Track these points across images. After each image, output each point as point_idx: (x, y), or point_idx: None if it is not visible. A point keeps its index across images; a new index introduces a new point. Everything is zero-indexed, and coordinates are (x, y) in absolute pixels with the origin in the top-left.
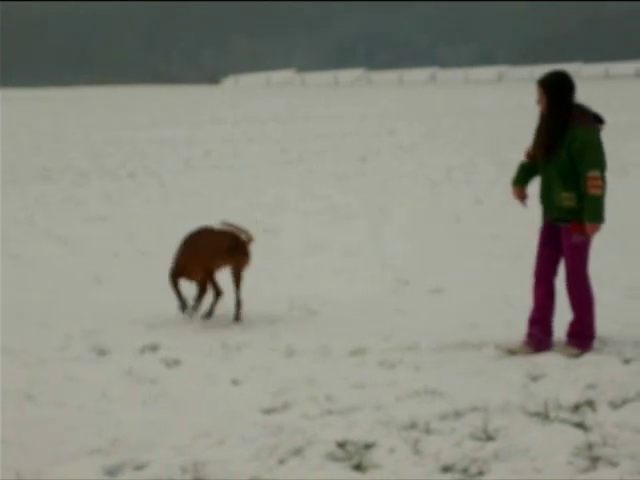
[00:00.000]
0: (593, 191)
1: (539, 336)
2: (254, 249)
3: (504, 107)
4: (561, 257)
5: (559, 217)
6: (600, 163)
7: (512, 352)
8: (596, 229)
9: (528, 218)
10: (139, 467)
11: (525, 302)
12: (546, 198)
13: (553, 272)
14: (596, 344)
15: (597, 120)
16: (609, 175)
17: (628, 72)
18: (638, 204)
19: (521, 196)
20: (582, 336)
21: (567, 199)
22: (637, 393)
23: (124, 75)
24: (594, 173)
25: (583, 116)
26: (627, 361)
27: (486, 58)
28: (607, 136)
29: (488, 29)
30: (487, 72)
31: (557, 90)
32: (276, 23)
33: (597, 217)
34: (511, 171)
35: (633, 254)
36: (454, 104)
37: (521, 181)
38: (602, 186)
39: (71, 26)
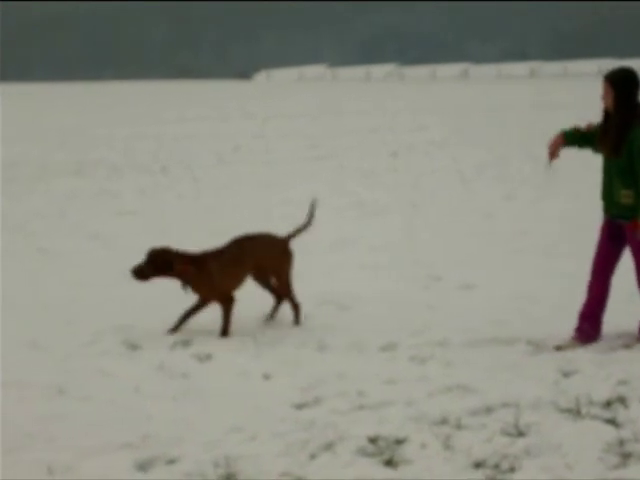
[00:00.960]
0: None
1: (589, 331)
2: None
3: (536, 103)
4: (621, 254)
5: (619, 214)
6: None
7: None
8: None
9: (559, 215)
10: (170, 462)
11: (554, 298)
12: (607, 195)
13: (611, 268)
14: (628, 340)
15: None
16: None
17: None
18: None
19: (557, 143)
20: None
21: (625, 196)
22: None
23: (149, 70)
24: None
25: None
26: None
27: (518, 54)
28: None
29: (520, 24)
30: (519, 68)
31: (625, 87)
32: (305, 18)
33: None
34: (542, 167)
35: None
36: (486, 100)
37: (570, 137)
38: None
39: (98, 21)
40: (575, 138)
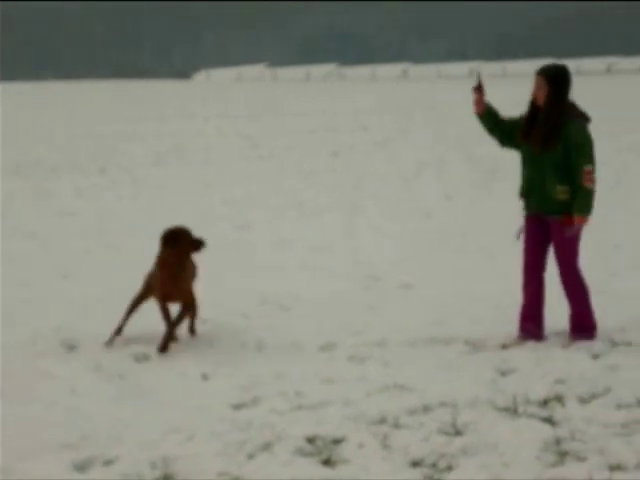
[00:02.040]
0: (587, 184)
1: (533, 330)
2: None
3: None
4: (548, 250)
5: (552, 210)
6: (593, 158)
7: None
8: (585, 221)
9: (498, 214)
10: (108, 462)
11: (493, 298)
12: (537, 190)
13: (542, 264)
14: (565, 339)
15: (585, 117)
16: None
17: (598, 68)
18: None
19: (479, 100)
20: (584, 328)
21: (562, 192)
22: (605, 388)
23: (92, 70)
24: (589, 167)
25: (576, 111)
26: (596, 356)
27: (458, 54)
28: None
29: (459, 25)
30: (459, 68)
31: (560, 83)
32: (246, 19)
33: (588, 209)
34: (481, 167)
35: (599, 250)
36: (426, 100)
37: (490, 110)
38: (595, 180)
39: (38, 20)
40: (492, 115)
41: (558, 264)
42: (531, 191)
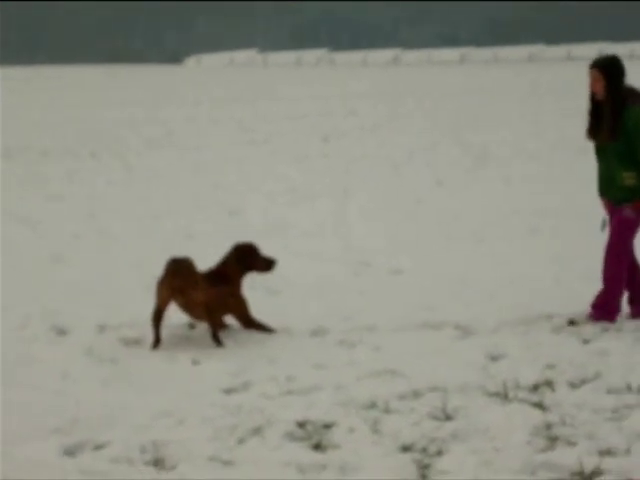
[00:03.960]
0: None
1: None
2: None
3: (467, 88)
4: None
5: (622, 197)
6: None
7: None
8: None
9: (488, 200)
10: (98, 447)
11: (483, 283)
12: (606, 179)
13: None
14: (556, 323)
15: None
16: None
17: (590, 54)
18: None
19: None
20: (607, 309)
21: (628, 178)
22: (596, 373)
23: (83, 54)
24: None
25: (634, 96)
26: (586, 341)
27: (449, 39)
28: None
29: (451, 10)
30: (450, 53)
31: (615, 73)
32: (237, 3)
33: None
34: (472, 153)
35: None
36: (417, 85)
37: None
38: None
39: (30, 4)
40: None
41: (607, 244)
42: (602, 180)
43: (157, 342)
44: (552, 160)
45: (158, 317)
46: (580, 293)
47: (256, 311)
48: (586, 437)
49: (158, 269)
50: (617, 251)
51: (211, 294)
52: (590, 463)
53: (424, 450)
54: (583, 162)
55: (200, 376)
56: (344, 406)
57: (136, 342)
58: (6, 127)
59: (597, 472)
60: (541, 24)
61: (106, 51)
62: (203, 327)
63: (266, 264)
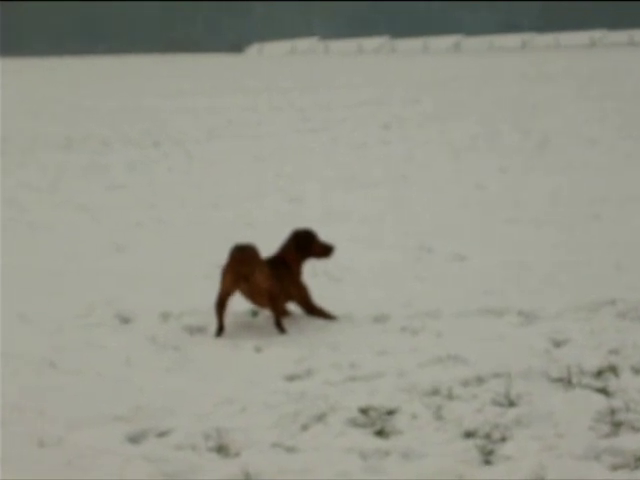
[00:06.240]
0: None
1: None
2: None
3: (528, 75)
4: None
5: None
6: None
7: None
8: None
9: (550, 186)
10: (162, 434)
11: (545, 268)
12: None
13: None
14: (619, 309)
15: None
16: None
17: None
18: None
19: None
20: None
21: None
22: None
23: (143, 44)
24: None
25: None
26: None
27: (510, 25)
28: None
29: None
30: (511, 39)
31: None
32: None
33: None
34: (533, 139)
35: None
36: (478, 72)
37: None
38: None
39: None
40: None
41: None
42: None
43: (220, 329)
44: (614, 146)
45: (222, 304)
46: None
47: (318, 298)
48: None
49: (219, 257)
50: None
51: (274, 281)
52: None
53: (487, 436)
54: None
55: (263, 363)
56: (407, 392)
57: (199, 330)
58: (67, 117)
59: None
60: (603, 9)
61: (168, 41)
62: (265, 314)
63: (324, 250)
